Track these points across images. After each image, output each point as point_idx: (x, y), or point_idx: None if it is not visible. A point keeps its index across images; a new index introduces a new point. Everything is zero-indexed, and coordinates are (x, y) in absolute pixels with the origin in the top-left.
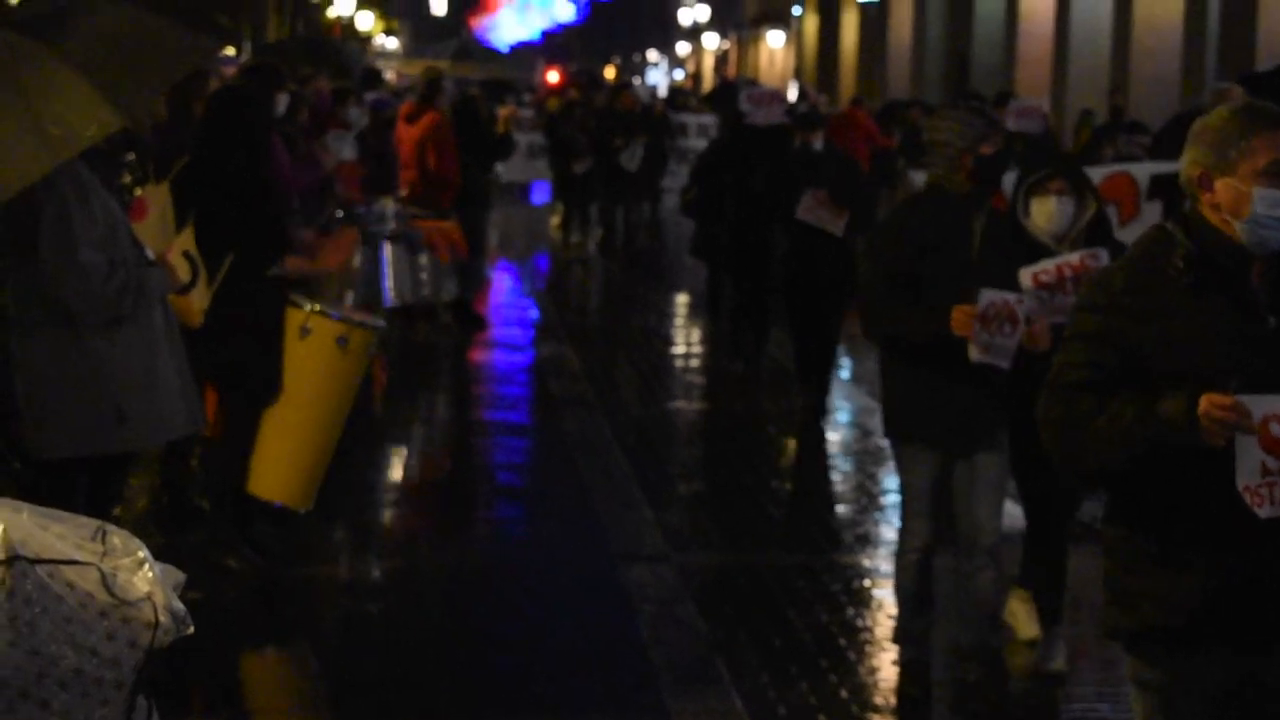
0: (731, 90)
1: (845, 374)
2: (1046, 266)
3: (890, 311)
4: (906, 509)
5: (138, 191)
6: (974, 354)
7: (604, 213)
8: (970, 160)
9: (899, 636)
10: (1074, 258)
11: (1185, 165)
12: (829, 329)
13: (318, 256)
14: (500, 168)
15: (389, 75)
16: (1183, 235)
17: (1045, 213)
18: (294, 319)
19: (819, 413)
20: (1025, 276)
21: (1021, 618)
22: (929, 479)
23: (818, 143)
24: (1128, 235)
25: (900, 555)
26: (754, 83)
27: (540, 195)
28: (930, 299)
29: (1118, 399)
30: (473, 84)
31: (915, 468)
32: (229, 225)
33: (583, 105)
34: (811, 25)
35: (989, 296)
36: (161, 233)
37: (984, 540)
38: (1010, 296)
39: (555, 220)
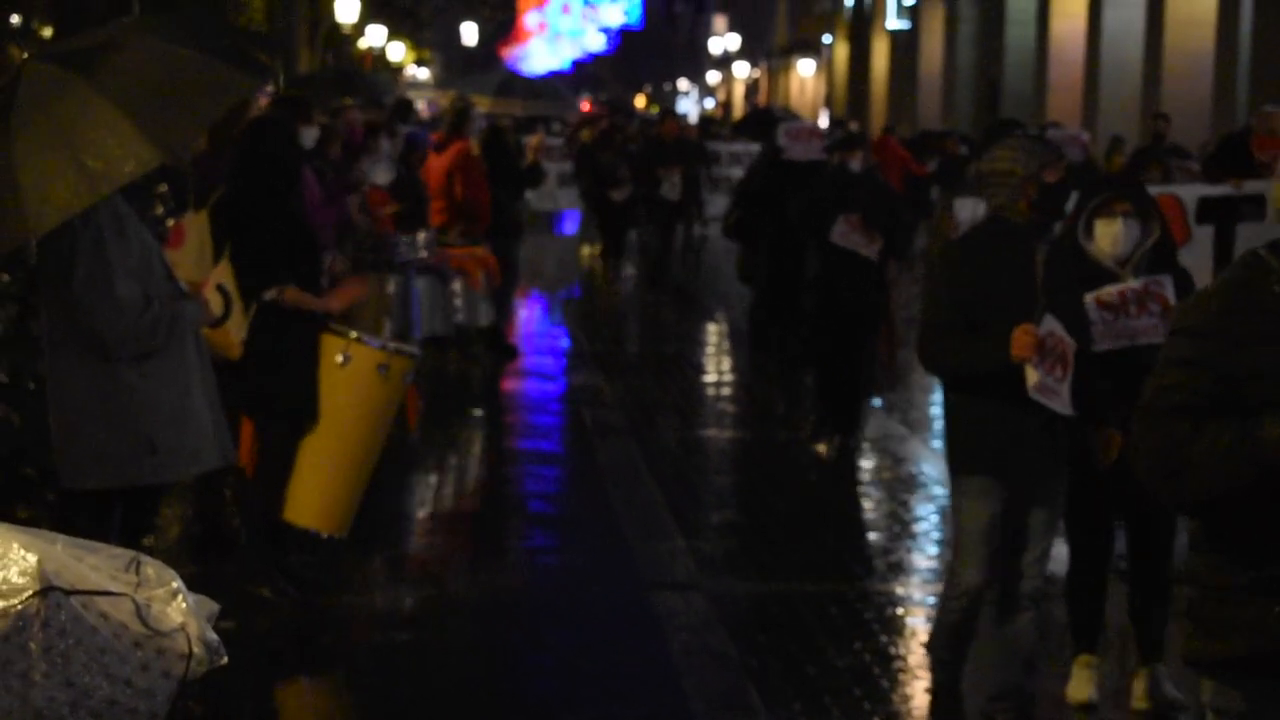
0: (765, 117)
1: (877, 402)
2: (1109, 290)
3: (951, 344)
4: (962, 551)
5: (170, 223)
6: (1031, 382)
7: (644, 241)
8: (1033, 189)
9: (932, 655)
10: (1137, 284)
11: None
12: (860, 357)
13: (327, 296)
14: (530, 196)
15: (420, 106)
16: (1278, 261)
17: (1109, 235)
18: (334, 346)
19: (849, 445)
20: (1089, 299)
21: (1080, 680)
22: (989, 518)
23: (855, 164)
24: (1182, 260)
25: (949, 598)
26: (788, 111)
27: (570, 225)
28: (992, 330)
29: (1214, 424)
30: (511, 118)
31: (977, 505)
32: (262, 256)
33: (620, 133)
34: (842, 53)
35: (1050, 324)
36: (199, 261)
37: (1027, 584)
38: (1069, 340)
39: (591, 250)
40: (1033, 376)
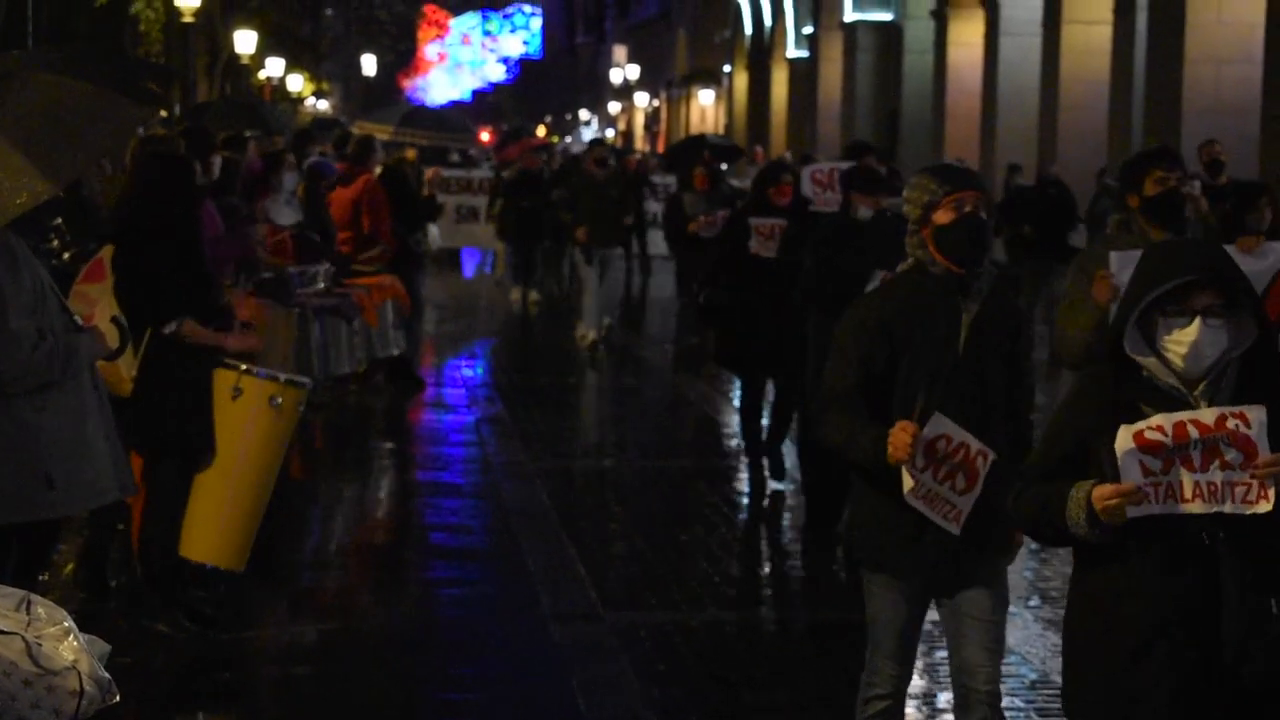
0: (697, 146)
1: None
2: (1159, 422)
3: (840, 423)
4: (872, 646)
5: (66, 256)
6: (906, 487)
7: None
8: (930, 231)
9: None
10: (1208, 415)
11: None
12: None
13: (225, 339)
14: (435, 231)
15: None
16: None
17: (1182, 344)
18: (225, 380)
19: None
20: (1125, 436)
21: None
22: (901, 614)
23: (866, 209)
24: None
25: (863, 704)
26: (724, 138)
27: (471, 264)
28: (902, 407)
29: None
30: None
31: (882, 600)
32: (155, 290)
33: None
34: (742, 82)
35: (941, 427)
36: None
37: (979, 686)
38: (974, 443)
39: (516, 294)
40: (908, 481)
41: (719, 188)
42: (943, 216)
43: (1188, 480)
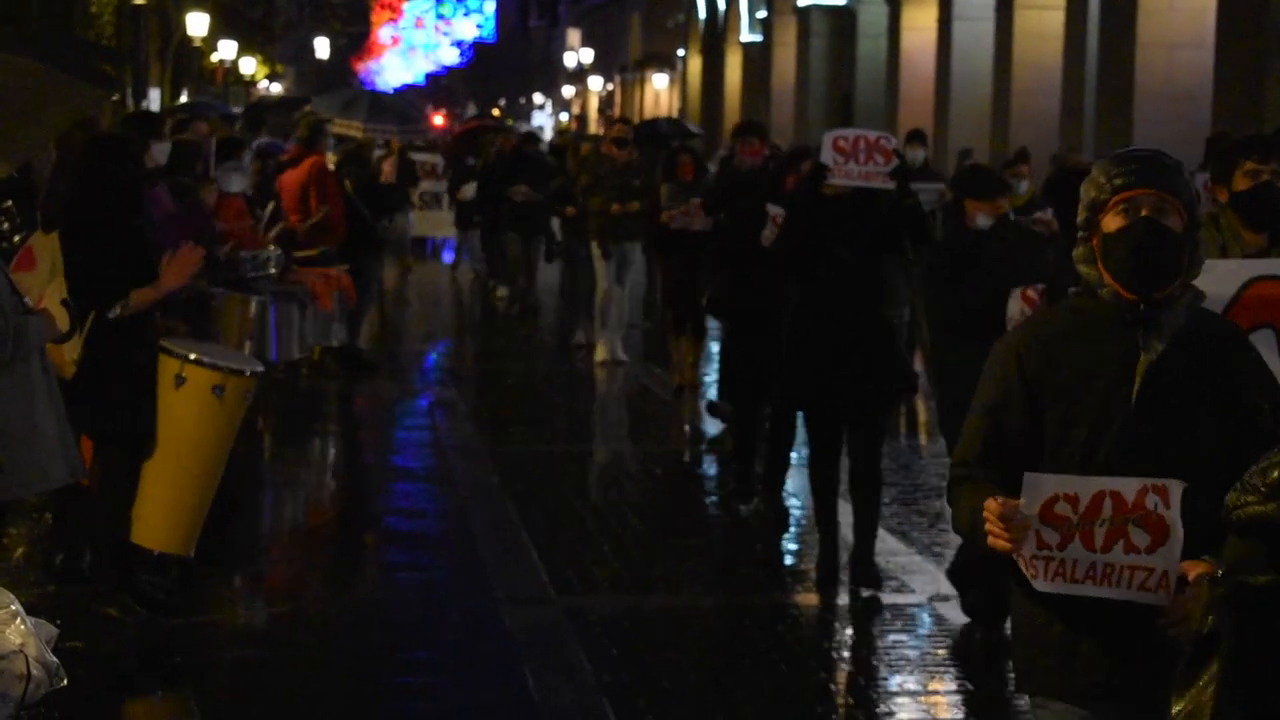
0: (651, 131)
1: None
2: None
3: (963, 506)
4: None
5: (17, 239)
6: (1033, 579)
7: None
8: (1098, 241)
9: None
10: None
11: None
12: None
13: (161, 281)
14: (413, 219)
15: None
16: None
17: None
18: (169, 368)
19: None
20: None
21: None
22: None
23: (984, 217)
24: None
25: None
26: (674, 123)
27: (446, 255)
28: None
29: None
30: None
31: None
32: (98, 274)
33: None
34: (695, 66)
35: (1043, 489)
36: (50, 283)
37: None
38: (1127, 485)
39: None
40: (1029, 572)
41: (701, 179)
42: (1111, 222)
43: None
